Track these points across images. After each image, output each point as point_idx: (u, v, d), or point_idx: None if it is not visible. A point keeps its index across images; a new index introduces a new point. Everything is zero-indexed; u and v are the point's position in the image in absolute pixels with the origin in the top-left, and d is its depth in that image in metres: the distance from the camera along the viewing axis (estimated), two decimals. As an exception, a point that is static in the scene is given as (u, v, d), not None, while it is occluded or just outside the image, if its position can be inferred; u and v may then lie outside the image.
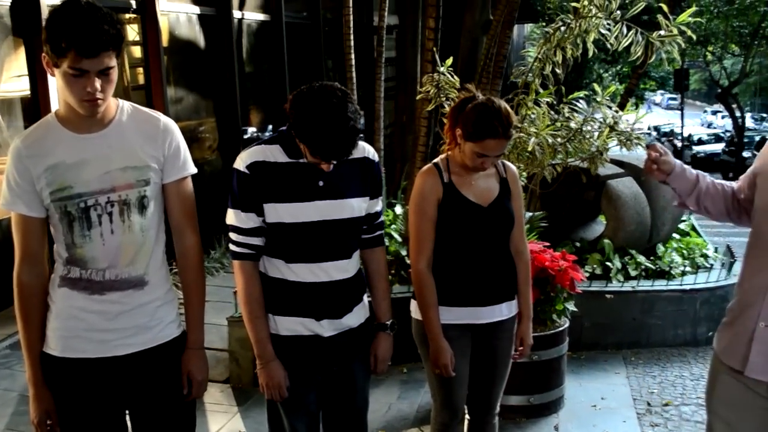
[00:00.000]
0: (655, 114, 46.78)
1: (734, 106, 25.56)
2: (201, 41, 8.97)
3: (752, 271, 2.45)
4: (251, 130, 9.99)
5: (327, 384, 2.77)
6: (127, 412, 2.54)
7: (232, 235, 2.63)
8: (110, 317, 2.36)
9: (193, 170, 2.51)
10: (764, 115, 45.96)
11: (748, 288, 2.45)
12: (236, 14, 9.39)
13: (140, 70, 7.68)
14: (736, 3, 20.66)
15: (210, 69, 8.99)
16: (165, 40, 7.98)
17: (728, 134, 29.80)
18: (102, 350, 2.37)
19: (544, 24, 18.45)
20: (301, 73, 10.75)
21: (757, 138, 25.73)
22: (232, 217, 2.62)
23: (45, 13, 6.01)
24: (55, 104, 6.00)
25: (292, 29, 10.59)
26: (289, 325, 2.66)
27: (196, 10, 8.70)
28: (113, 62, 2.20)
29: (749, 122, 34.59)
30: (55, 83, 6.35)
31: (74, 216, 2.29)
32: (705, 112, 51.51)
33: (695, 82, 47.97)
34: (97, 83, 2.17)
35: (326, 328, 2.66)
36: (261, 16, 10.14)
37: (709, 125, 44.41)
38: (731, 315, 2.52)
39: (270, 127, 10.68)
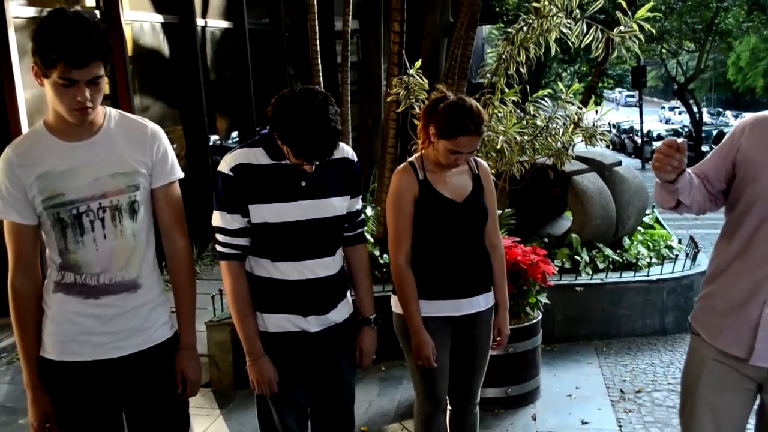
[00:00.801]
0: (614, 111, 47.50)
1: (691, 101, 26.03)
2: (165, 49, 8.99)
3: (761, 260, 2.43)
4: (214, 137, 10.01)
5: (314, 378, 2.85)
6: (123, 413, 2.60)
7: (219, 237, 2.70)
8: (105, 320, 2.42)
9: (180, 174, 2.57)
10: (720, 109, 46.89)
11: (753, 277, 2.44)
12: (199, 22, 9.41)
13: (106, 79, 7.68)
14: (689, 0, 21.08)
15: (175, 77, 9.00)
16: (130, 49, 7.99)
17: (686, 129, 30.32)
18: (98, 353, 2.43)
19: (502, 25, 18.70)
20: (264, 79, 10.80)
21: (714, 132, 26.25)
22: (218, 218, 2.69)
23: (11, 26, 6.00)
24: (24, 115, 6.00)
25: (254, 36, 10.63)
26: (276, 322, 2.73)
27: (160, 18, 8.71)
28: (101, 71, 2.26)
29: (706, 117, 35.21)
30: (22, 96, 6.28)
31: (67, 222, 2.35)
32: (662, 108, 52.39)
33: (652, 78, 48.76)
34: (87, 92, 2.23)
35: (313, 323, 2.75)
36: (224, 24, 10.17)
37: (667, 121, 45.19)
38: (729, 303, 2.51)
39: (235, 134, 10.71)
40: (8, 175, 2.32)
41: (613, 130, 38.38)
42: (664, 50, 26.26)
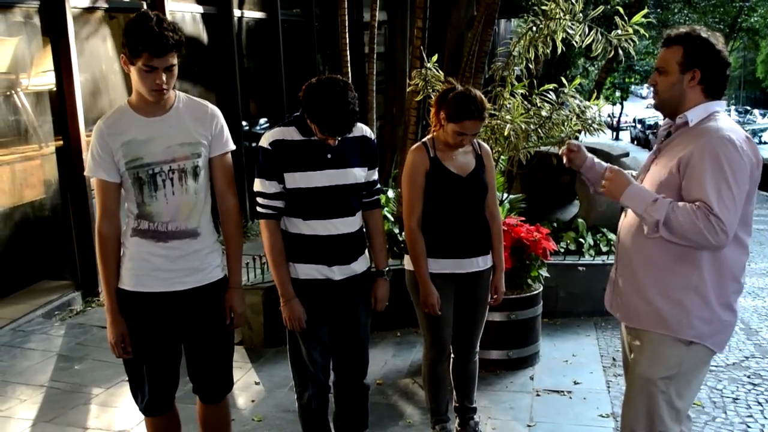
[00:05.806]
0: (639, 106, 47.62)
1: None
2: (204, 38, 9.56)
3: None
4: (245, 123, 10.49)
5: (336, 320, 3.41)
6: (182, 343, 3.17)
7: (259, 199, 3.26)
8: (171, 260, 3.00)
9: (233, 147, 3.14)
10: (747, 107, 46.73)
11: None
12: (236, 12, 9.98)
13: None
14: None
15: (212, 64, 9.58)
16: (172, 37, 8.54)
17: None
18: (165, 286, 3.01)
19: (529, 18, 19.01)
20: (295, 67, 11.31)
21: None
22: (258, 184, 3.25)
23: (69, 14, 6.59)
24: (78, 95, 6.60)
25: (287, 26, 11.17)
26: (306, 271, 3.30)
27: (200, 9, 9.30)
28: (175, 61, 2.83)
29: (733, 115, 35.23)
30: (78, 79, 6.89)
31: (144, 180, 2.93)
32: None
33: (684, 75, 48.45)
34: (163, 77, 2.81)
35: (336, 273, 3.30)
36: (258, 14, 10.72)
37: (695, 118, 44.91)
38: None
39: (264, 120, 11.25)
40: (99, 142, 2.91)
41: (638, 126, 38.65)
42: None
